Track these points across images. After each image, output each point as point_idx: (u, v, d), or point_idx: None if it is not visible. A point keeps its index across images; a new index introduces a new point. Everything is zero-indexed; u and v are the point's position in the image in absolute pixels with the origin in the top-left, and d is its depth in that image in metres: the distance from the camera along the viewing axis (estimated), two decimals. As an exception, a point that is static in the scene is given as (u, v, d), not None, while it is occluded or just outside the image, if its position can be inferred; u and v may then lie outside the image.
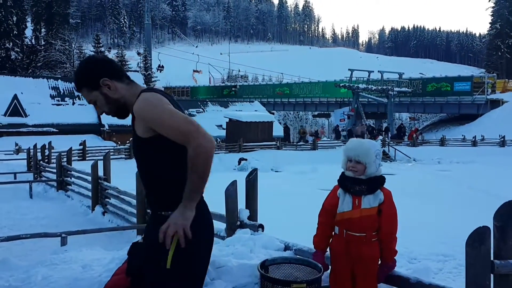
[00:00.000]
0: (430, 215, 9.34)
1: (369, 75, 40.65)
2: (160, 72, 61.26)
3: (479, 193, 12.44)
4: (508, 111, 36.85)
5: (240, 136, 25.17)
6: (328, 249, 2.90)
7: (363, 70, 40.93)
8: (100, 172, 9.51)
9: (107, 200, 9.06)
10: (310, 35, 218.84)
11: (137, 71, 50.53)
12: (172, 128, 2.12)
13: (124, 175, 9.04)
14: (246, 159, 21.38)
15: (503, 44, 64.25)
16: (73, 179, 11.85)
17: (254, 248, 3.69)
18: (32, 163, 16.73)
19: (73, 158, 15.28)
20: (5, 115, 33.72)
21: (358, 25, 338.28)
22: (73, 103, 37.71)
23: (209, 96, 59.34)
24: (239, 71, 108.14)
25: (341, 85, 39.77)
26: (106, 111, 2.37)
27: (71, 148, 13.97)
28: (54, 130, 33.53)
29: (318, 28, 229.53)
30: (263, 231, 4.24)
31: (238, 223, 4.43)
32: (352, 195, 2.73)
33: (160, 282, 2.21)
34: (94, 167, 9.35)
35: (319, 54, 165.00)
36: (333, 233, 2.86)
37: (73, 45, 57.67)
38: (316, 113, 54.06)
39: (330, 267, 2.89)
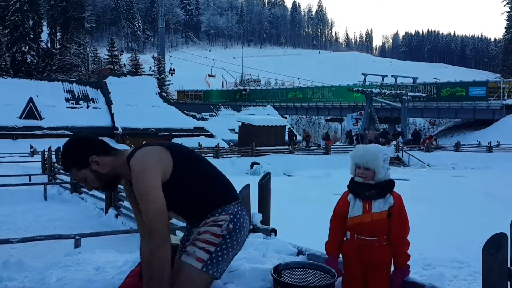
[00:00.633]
0: (445, 221, 9.25)
1: (382, 80, 40.42)
2: (172, 75, 61.61)
3: (495, 199, 12.29)
4: (524, 116, 36.38)
5: (252, 140, 25.18)
6: (340, 255, 2.90)
7: (376, 74, 40.73)
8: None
9: (120, 202, 9.11)
10: (323, 39, 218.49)
11: (151, 75, 50.87)
12: (143, 212, 2.32)
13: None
14: (258, 163, 21.37)
15: (519, 48, 63.44)
16: (86, 182, 11.89)
17: (267, 253, 3.67)
18: (46, 165, 16.89)
19: (87, 161, 15.33)
20: (20, 117, 34.16)
21: (371, 29, 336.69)
22: (88, 106, 38.10)
23: (222, 100, 59.54)
24: (249, 74, 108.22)
25: (354, 89, 39.62)
26: (97, 186, 2.47)
27: (85, 150, 14.05)
28: (69, 133, 33.81)
29: (331, 32, 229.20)
30: (276, 235, 4.22)
31: (251, 227, 4.42)
32: (362, 200, 2.74)
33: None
34: (108, 170, 9.39)
35: (332, 59, 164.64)
36: (344, 238, 2.86)
37: (88, 49, 58.27)
38: (329, 117, 53.91)
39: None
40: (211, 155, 23.05)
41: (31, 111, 34.64)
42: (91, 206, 10.55)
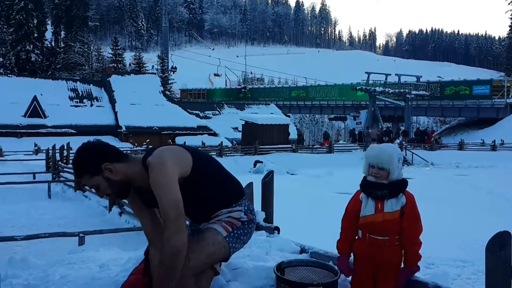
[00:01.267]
0: (448, 220, 9.22)
1: (386, 78, 40.38)
2: (173, 73, 61.76)
3: (498, 199, 12.26)
4: (529, 115, 36.26)
5: (255, 138, 25.18)
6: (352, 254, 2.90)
7: (380, 73, 40.70)
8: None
9: (124, 201, 9.13)
10: (327, 38, 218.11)
11: (154, 73, 50.94)
12: (160, 203, 2.34)
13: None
14: (261, 162, 21.37)
15: (523, 47, 63.19)
16: (90, 180, 11.93)
17: (270, 250, 3.68)
18: (51, 163, 16.96)
19: (91, 159, 15.38)
20: (25, 116, 34.29)
21: (375, 28, 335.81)
22: (91, 105, 38.20)
23: (225, 99, 59.58)
24: (251, 73, 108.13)
25: (357, 88, 39.58)
26: (109, 193, 2.48)
27: (89, 149, 14.08)
28: (73, 131, 33.97)
29: (334, 31, 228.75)
30: (279, 233, 4.22)
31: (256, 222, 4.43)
32: (374, 199, 2.74)
33: None
34: (112, 168, 9.42)
35: (336, 57, 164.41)
36: (356, 237, 2.85)
37: (92, 48, 58.40)
38: (332, 116, 53.87)
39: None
40: (214, 153, 23.07)
41: (35, 110, 34.75)
42: (95, 204, 10.58)
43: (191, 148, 2.61)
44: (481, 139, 31.29)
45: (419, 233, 2.72)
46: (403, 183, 2.76)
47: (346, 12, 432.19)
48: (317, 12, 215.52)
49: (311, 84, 61.28)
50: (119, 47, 58.54)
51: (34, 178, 14.43)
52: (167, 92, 49.94)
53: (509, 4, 62.15)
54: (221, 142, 26.17)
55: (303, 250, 3.68)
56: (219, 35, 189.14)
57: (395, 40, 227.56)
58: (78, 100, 38.19)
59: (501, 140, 30.05)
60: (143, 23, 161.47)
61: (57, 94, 37.34)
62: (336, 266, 2.75)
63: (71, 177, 13.32)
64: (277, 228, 4.25)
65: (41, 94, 35.69)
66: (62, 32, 60.02)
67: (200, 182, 2.50)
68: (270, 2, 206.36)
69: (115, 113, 36.89)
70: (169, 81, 61.45)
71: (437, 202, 11.35)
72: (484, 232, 2.98)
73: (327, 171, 18.14)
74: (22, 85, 36.44)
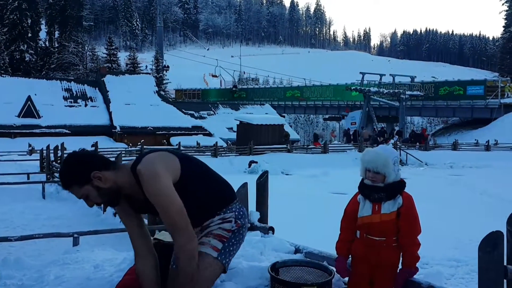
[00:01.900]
0: (442, 220, 9.26)
1: (380, 79, 40.51)
2: (166, 72, 61.71)
3: (492, 198, 12.32)
4: (522, 115, 36.43)
5: (250, 138, 25.17)
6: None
7: (374, 73, 40.85)
8: (112, 174, 9.54)
9: (119, 200, 9.10)
10: (322, 38, 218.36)
11: (149, 73, 50.83)
12: (166, 214, 2.34)
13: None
14: (256, 162, 21.37)
15: (517, 47, 63.48)
16: (85, 180, 11.89)
17: (264, 251, 3.69)
18: (45, 164, 16.89)
19: (85, 160, 15.33)
20: (19, 116, 34.12)
21: (369, 28, 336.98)
22: (86, 105, 38.05)
23: (220, 99, 59.54)
24: (244, 73, 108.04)
25: (352, 88, 39.65)
26: (99, 202, 2.46)
27: (83, 149, 14.04)
28: (67, 131, 33.83)
29: (329, 31, 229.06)
30: (273, 233, 4.23)
31: (249, 225, 4.43)
32: (372, 202, 2.75)
33: None
34: (106, 168, 9.38)
35: (331, 57, 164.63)
36: (355, 238, 2.88)
37: (86, 47, 58.21)
38: (327, 116, 53.96)
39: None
40: (209, 154, 23.05)
41: (29, 110, 34.58)
42: (89, 205, 10.53)
43: (179, 153, 2.59)
44: (475, 139, 31.43)
45: (417, 234, 2.72)
46: (400, 185, 2.77)
47: (340, 12, 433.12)
48: (311, 12, 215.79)
49: (306, 84, 61.34)
50: (113, 47, 58.37)
51: (28, 178, 14.36)
52: (162, 92, 49.84)
53: (503, 4, 62.51)
54: (216, 142, 26.14)
55: (297, 250, 3.70)
56: (214, 35, 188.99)
57: (389, 40, 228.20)
58: (72, 100, 38.02)
59: (495, 140, 30.19)
60: (137, 23, 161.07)
61: (51, 94, 37.14)
62: (330, 266, 2.76)
63: (65, 177, 13.25)
64: (272, 229, 4.26)
65: (35, 94, 35.51)
66: (56, 32, 59.75)
67: (189, 187, 2.48)
68: (265, 2, 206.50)
69: (110, 113, 36.76)
70: (164, 81, 61.32)
71: (431, 202, 11.38)
72: (478, 232, 3.00)
73: (322, 171, 18.16)
74: (16, 85, 36.22)
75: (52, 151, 16.83)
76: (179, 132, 36.14)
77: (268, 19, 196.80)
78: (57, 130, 33.88)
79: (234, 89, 63.29)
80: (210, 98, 62.73)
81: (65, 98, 37.96)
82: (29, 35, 52.77)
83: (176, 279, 2.43)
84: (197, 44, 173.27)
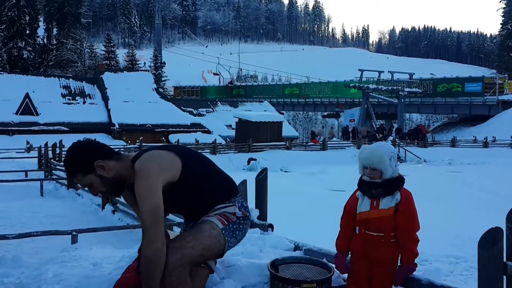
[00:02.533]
0: (441, 217, 9.26)
1: (379, 76, 40.46)
2: (162, 68, 61.72)
3: (491, 195, 12.32)
4: (520, 112, 36.47)
5: (249, 136, 25.17)
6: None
7: (373, 70, 40.76)
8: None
9: (117, 199, 9.09)
10: (320, 35, 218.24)
11: (147, 71, 50.75)
12: (140, 211, 2.37)
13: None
14: (255, 159, 21.37)
15: (514, 44, 63.51)
16: (83, 178, 11.88)
17: (263, 248, 3.68)
18: (43, 161, 16.86)
19: (83, 157, 15.32)
20: (17, 113, 34.06)
21: (368, 25, 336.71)
22: (84, 102, 38.00)
23: (218, 96, 59.49)
24: (240, 69, 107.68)
25: (351, 85, 39.65)
26: (103, 190, 2.49)
27: (82, 146, 14.02)
28: (65, 128, 33.77)
29: (328, 28, 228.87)
30: (272, 230, 4.23)
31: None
32: (370, 198, 2.77)
33: None
34: (105, 165, 9.37)
35: (329, 54, 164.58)
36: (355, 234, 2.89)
37: (85, 45, 58.07)
38: (325, 113, 53.97)
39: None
40: (208, 151, 23.05)
41: (27, 107, 34.52)
42: (88, 202, 10.53)
43: (182, 150, 2.60)
44: (473, 136, 31.50)
45: (415, 230, 2.72)
46: (398, 180, 2.78)
47: (339, 9, 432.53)
48: (310, 9, 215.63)
49: (304, 81, 61.28)
50: (112, 44, 58.26)
51: (26, 176, 14.34)
52: (161, 90, 49.79)
53: (500, 1, 62.49)
54: (215, 140, 26.13)
55: (297, 248, 3.70)
56: (212, 32, 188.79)
57: (388, 37, 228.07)
58: (70, 98, 37.95)
59: (493, 137, 30.26)
60: (136, 20, 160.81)
61: (50, 91, 37.10)
62: (330, 263, 2.75)
63: (64, 175, 13.24)
64: (271, 226, 4.26)
65: (33, 91, 35.44)
66: (55, 29, 59.55)
67: (191, 184, 2.50)
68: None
69: (108, 111, 36.72)
70: (162, 78, 61.28)
71: (430, 199, 11.38)
72: (476, 229, 3.00)
73: (320, 168, 18.14)
74: (14, 82, 36.14)
75: (50, 149, 16.80)
76: (177, 129, 36.12)
77: (266, 16, 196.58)
78: (55, 127, 33.83)
79: (229, 85, 63.27)
80: (209, 96, 62.67)
81: (63, 95, 37.91)
82: (27, 32, 52.62)
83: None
84: (196, 41, 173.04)
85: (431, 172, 19.16)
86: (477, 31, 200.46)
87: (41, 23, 59.72)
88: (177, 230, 4.92)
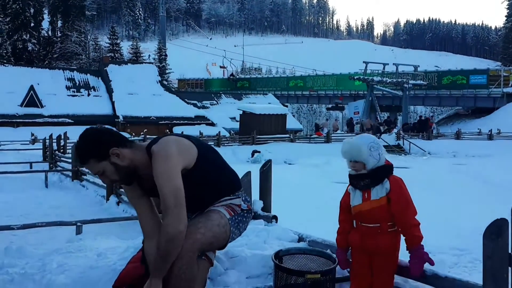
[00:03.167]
0: (445, 209, 9.26)
1: (384, 68, 40.30)
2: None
3: (495, 187, 12.30)
4: (525, 104, 36.30)
5: (253, 128, 25.18)
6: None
7: (377, 62, 40.58)
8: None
9: (121, 190, 9.11)
10: (325, 27, 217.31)
11: (152, 63, 50.71)
12: (161, 191, 2.34)
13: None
14: (259, 152, 21.39)
15: (519, 37, 63.08)
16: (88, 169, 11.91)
17: (267, 239, 3.68)
18: (47, 153, 16.92)
19: (88, 149, 15.38)
20: (21, 105, 34.17)
21: (373, 18, 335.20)
22: (89, 94, 38.07)
23: (222, 89, 59.38)
24: (243, 62, 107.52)
25: (355, 77, 39.50)
26: (116, 179, 2.45)
27: (86, 138, 14.07)
28: (70, 121, 33.87)
29: (332, 20, 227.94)
30: (276, 222, 4.23)
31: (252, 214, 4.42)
32: (361, 190, 2.78)
33: None
34: (109, 157, 9.39)
35: (334, 47, 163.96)
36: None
37: (89, 37, 58.07)
38: (330, 105, 53.83)
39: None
40: (212, 143, 23.06)
41: (32, 99, 34.63)
42: (92, 194, 10.56)
43: (196, 140, 2.61)
44: (478, 128, 31.36)
45: (413, 214, 2.70)
46: (385, 168, 2.77)
47: (343, 1, 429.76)
48: (314, 1, 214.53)
49: (309, 74, 61.07)
50: (116, 37, 58.20)
51: (31, 167, 14.39)
52: (165, 82, 49.75)
53: (506, -7, 61.94)
54: (219, 132, 26.14)
55: (301, 239, 3.69)
56: (216, 25, 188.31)
57: (392, 29, 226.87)
58: (75, 90, 38.01)
59: (498, 129, 30.10)
60: (140, 12, 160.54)
61: (54, 83, 37.16)
62: (334, 254, 2.75)
63: (68, 166, 13.31)
64: (275, 217, 4.26)
65: (38, 84, 35.54)
66: (59, 22, 59.51)
67: (202, 174, 2.52)
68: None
69: (112, 103, 36.78)
70: (167, 71, 61.22)
71: (434, 191, 11.38)
72: (481, 221, 2.97)
73: (325, 160, 18.13)
74: (19, 74, 36.20)
75: (55, 141, 16.85)
76: (182, 122, 36.14)
77: (271, 8, 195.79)
78: (60, 119, 33.93)
79: (231, 77, 63.14)
80: (213, 88, 62.58)
81: (68, 88, 37.98)
82: (32, 24, 52.60)
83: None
84: (200, 33, 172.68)
85: (435, 165, 19.12)
86: (482, 24, 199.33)
87: (45, 16, 59.70)
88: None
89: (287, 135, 26.34)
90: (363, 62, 39.89)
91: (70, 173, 12.77)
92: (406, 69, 42.73)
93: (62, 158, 15.02)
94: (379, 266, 2.72)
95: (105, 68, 39.64)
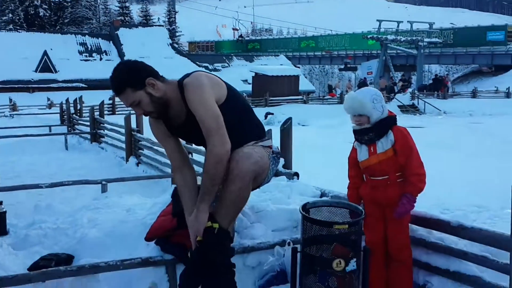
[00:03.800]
0: (462, 167, 9.24)
1: (398, 26, 39.50)
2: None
3: (512, 145, 12.20)
4: (544, 61, 35.51)
5: (266, 90, 25.06)
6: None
7: (391, 20, 39.74)
8: (133, 125, 9.66)
9: (141, 151, 9.25)
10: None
11: (162, 26, 50.20)
12: (200, 118, 2.40)
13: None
14: (272, 113, 21.37)
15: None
16: (106, 132, 12.10)
17: (291, 194, 3.75)
18: (65, 116, 17.11)
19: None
20: (36, 71, 34.43)
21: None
22: (101, 59, 38.06)
23: (233, 51, 58.77)
24: (251, 23, 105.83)
25: (369, 36, 38.80)
26: (150, 110, 2.48)
27: (103, 101, 14.24)
28: (83, 85, 34.06)
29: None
30: (298, 179, 4.29)
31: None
32: (367, 145, 2.81)
33: None
34: (127, 119, 9.50)
35: (346, 5, 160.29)
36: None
37: (99, 1, 57.44)
38: (342, 66, 53.18)
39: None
40: (226, 106, 23.05)
41: (46, 65, 34.83)
42: (112, 155, 10.72)
43: (226, 82, 2.67)
44: (495, 87, 30.85)
45: (418, 164, 2.73)
46: (388, 120, 2.79)
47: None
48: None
49: (321, 34, 60.05)
50: (125, 0, 57.52)
51: (50, 131, 14.58)
52: (175, 45, 49.35)
53: None
54: (232, 94, 26.04)
55: (323, 194, 3.75)
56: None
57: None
58: (87, 54, 38.03)
59: (515, 87, 29.61)
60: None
61: (67, 48, 37.25)
62: (360, 207, 2.80)
63: (86, 129, 13.47)
64: (297, 174, 4.32)
65: (51, 49, 35.66)
66: (69, -14, 58.70)
67: (231, 112, 2.54)
68: None
69: (125, 67, 36.74)
70: (177, 34, 60.62)
71: (449, 150, 11.33)
72: (498, 178, 2.99)
73: (339, 121, 18.06)
74: (32, 40, 36.30)
75: (72, 104, 17.02)
76: (194, 84, 36.04)
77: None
78: (74, 84, 34.16)
79: (240, 39, 62.39)
80: (224, 50, 61.97)
81: (80, 52, 38.00)
82: (43, -11, 51.96)
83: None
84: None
85: (451, 124, 18.94)
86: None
87: (55, -20, 58.82)
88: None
89: (300, 97, 26.20)
90: (377, 20, 39.06)
91: (88, 136, 12.95)
92: (421, 26, 41.80)
93: (79, 121, 15.19)
94: (391, 217, 2.77)
95: (116, 32, 39.42)
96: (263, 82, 27.23)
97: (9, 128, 13.75)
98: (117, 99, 21.90)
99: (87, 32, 45.14)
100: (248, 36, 77.50)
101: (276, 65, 37.41)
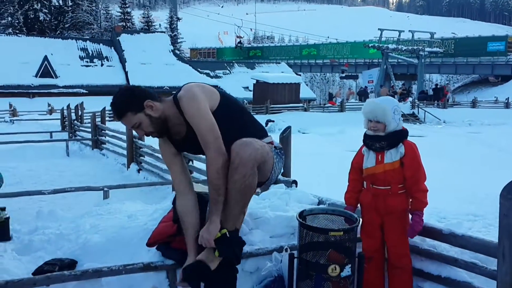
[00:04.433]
0: (459, 177, 9.32)
1: (399, 35, 39.58)
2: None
3: (510, 155, 12.28)
4: (544, 72, 35.61)
5: (267, 97, 25.12)
6: (359, 204, 3.05)
7: (393, 29, 39.83)
8: (134, 132, 9.68)
9: (142, 158, 9.32)
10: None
11: (164, 32, 50.36)
12: (197, 129, 2.54)
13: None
14: (273, 121, 21.40)
15: (541, 2, 61.47)
16: (107, 138, 12.17)
17: (289, 202, 3.81)
18: (66, 122, 17.13)
19: (104, 118, 15.58)
20: (36, 76, 34.30)
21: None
22: (102, 65, 38.00)
23: (235, 58, 58.93)
24: (251, 29, 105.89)
25: (370, 45, 38.95)
26: (151, 131, 2.63)
27: (104, 108, 14.26)
28: (84, 91, 34.02)
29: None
30: (296, 186, 4.36)
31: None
32: (375, 152, 2.86)
33: None
34: (128, 126, 9.54)
35: (348, 14, 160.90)
36: (363, 188, 3.01)
37: (100, 6, 57.62)
38: (343, 74, 53.29)
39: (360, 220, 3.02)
40: (226, 112, 23.08)
41: (46, 70, 34.70)
42: (113, 162, 10.77)
43: (219, 89, 2.84)
44: (495, 97, 30.95)
45: (422, 180, 2.82)
46: (402, 133, 2.87)
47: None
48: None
49: (322, 42, 60.25)
50: (127, 5, 57.70)
51: (51, 137, 14.62)
52: (177, 51, 49.51)
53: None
54: (233, 101, 26.08)
55: (320, 202, 3.81)
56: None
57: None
58: (88, 60, 37.99)
59: (515, 98, 29.69)
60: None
61: (67, 53, 37.08)
62: (355, 214, 2.88)
63: (88, 135, 13.52)
64: (295, 182, 4.39)
65: (52, 54, 35.49)
66: (70, -10, 58.96)
67: (227, 116, 2.65)
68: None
69: (126, 73, 36.78)
70: (178, 40, 60.77)
71: (448, 159, 11.42)
72: (495, 188, 3.05)
73: (339, 129, 18.16)
74: (32, 45, 36.16)
75: (73, 110, 17.06)
76: (195, 91, 36.05)
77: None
78: (74, 90, 34.07)
79: (239, 44, 62.50)
80: (225, 57, 62.13)
81: (81, 58, 37.94)
82: (43, -7, 52.17)
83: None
84: (211, 1, 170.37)
85: (450, 133, 19.04)
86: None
87: (56, -16, 59.09)
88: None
89: (301, 104, 26.26)
90: (378, 29, 39.18)
91: (89, 142, 13.00)
92: (422, 36, 41.93)
93: (80, 128, 15.25)
94: (390, 225, 2.85)
95: (117, 38, 39.44)
96: (264, 89, 27.29)
97: (10, 134, 13.74)
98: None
99: (88, 37, 45.21)
100: (250, 43, 77.69)
101: (278, 73, 37.45)
